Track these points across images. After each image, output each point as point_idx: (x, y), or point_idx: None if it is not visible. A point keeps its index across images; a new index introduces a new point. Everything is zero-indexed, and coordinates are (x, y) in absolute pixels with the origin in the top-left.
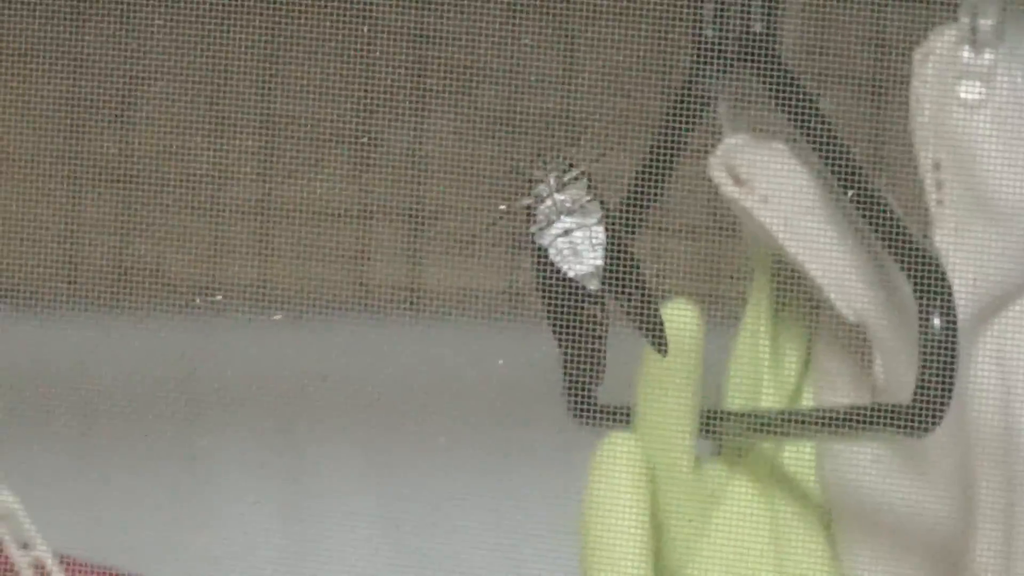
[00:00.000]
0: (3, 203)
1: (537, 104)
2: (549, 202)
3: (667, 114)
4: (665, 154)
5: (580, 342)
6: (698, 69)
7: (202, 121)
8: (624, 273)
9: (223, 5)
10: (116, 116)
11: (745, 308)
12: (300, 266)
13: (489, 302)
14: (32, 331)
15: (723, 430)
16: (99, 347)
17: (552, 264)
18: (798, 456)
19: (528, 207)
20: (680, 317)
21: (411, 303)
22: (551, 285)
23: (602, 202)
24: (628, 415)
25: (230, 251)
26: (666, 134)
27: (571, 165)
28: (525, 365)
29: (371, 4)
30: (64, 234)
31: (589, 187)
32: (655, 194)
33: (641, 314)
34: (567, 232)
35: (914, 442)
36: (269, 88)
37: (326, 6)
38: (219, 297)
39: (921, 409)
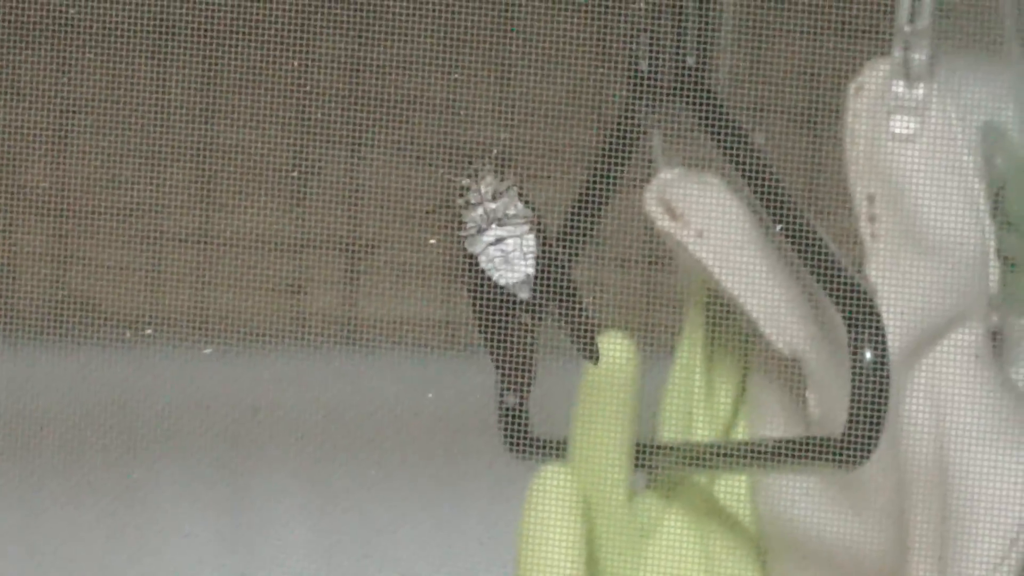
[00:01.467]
0: None
1: (471, 136)
2: (480, 210)
3: (602, 146)
4: (600, 186)
5: (511, 350)
6: (632, 102)
7: (137, 152)
8: (557, 284)
9: (159, 36)
10: (51, 147)
11: (679, 340)
12: (236, 297)
13: (425, 333)
14: None
15: (657, 462)
16: (34, 378)
17: (483, 272)
18: (731, 489)
19: (460, 211)
20: (615, 349)
21: (347, 334)
22: (481, 293)
23: (534, 209)
24: (563, 448)
25: (165, 282)
26: (601, 166)
27: (504, 174)
28: (461, 396)
29: (306, 35)
30: None
31: (521, 196)
32: (590, 226)
33: (573, 323)
34: (498, 240)
35: (847, 474)
36: (205, 119)
37: (261, 37)
38: (149, 331)
39: (852, 442)
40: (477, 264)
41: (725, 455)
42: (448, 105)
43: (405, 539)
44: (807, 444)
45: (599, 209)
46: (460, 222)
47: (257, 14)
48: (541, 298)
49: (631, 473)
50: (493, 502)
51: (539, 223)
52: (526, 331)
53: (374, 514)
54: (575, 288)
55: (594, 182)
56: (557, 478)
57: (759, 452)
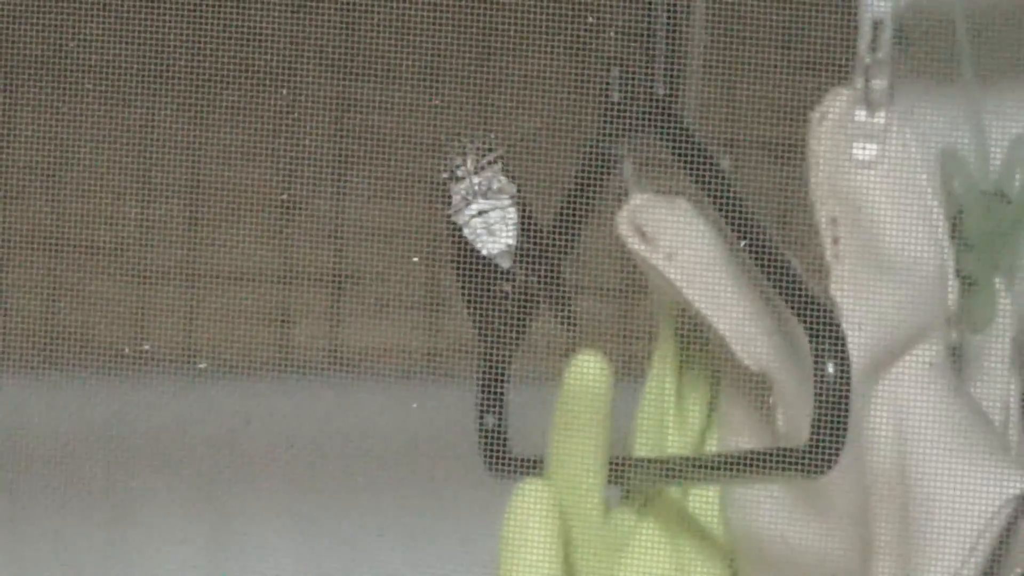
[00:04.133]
0: None
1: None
2: (466, 183)
3: (576, 174)
4: (574, 214)
5: (493, 320)
6: (605, 131)
7: (129, 188)
8: (538, 255)
9: (149, 72)
10: (45, 181)
11: (652, 358)
12: (224, 328)
13: (407, 361)
14: None
15: (631, 476)
16: (27, 405)
17: (467, 243)
18: (703, 500)
19: (446, 184)
20: (589, 367)
21: (331, 362)
22: (466, 264)
23: (516, 183)
24: (541, 466)
25: (156, 314)
26: (575, 194)
27: (489, 148)
28: (443, 422)
29: (292, 69)
30: None
31: (505, 171)
32: (565, 252)
33: (552, 291)
34: (482, 213)
35: (812, 484)
36: (193, 152)
37: (248, 70)
38: (147, 347)
39: (816, 452)
40: (462, 236)
41: (696, 467)
42: (429, 138)
43: (388, 560)
44: (774, 455)
45: (574, 235)
46: (446, 196)
47: (244, 51)
48: (522, 267)
49: (605, 487)
50: (475, 525)
51: (521, 197)
52: (507, 300)
53: (358, 537)
54: (555, 258)
55: (569, 210)
56: (535, 492)
57: (728, 464)
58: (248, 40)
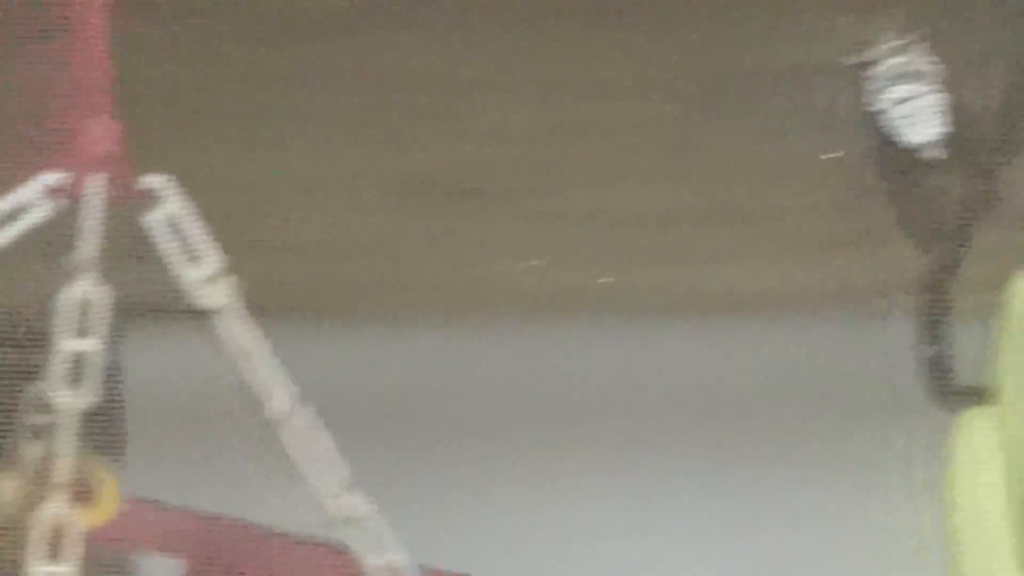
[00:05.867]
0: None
1: None
2: (885, 65)
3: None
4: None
5: (917, 214)
6: None
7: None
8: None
9: None
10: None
11: None
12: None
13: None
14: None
15: None
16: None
17: (887, 133)
18: None
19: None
20: None
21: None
22: (887, 155)
23: (941, 60)
24: (984, 396)
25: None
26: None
27: (913, 25)
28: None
29: None
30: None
31: (928, 50)
32: (1012, 146)
33: (989, 192)
34: (905, 99)
35: None
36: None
37: None
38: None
39: None
40: (882, 124)
41: None
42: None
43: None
44: None
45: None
46: (863, 79)
47: None
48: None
49: None
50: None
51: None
52: (937, 193)
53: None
54: (999, 152)
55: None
56: (982, 421)
57: None
58: None
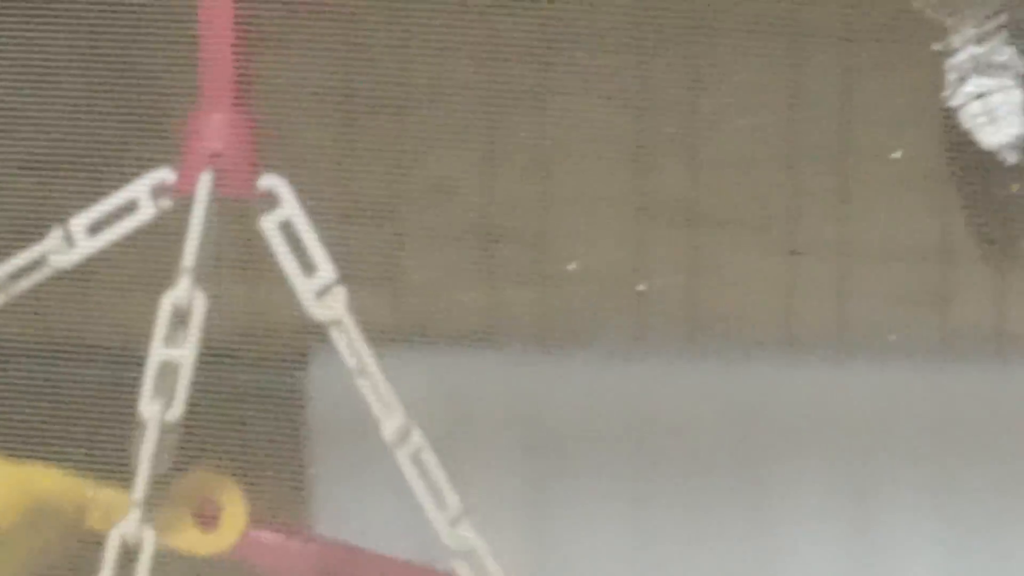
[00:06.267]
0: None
1: None
2: (964, 55)
3: None
4: None
5: (985, 223)
6: None
7: (772, 158)
8: None
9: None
10: (682, 155)
11: None
12: (875, 306)
13: None
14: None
15: None
16: (666, 384)
17: (962, 130)
18: None
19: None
20: None
21: (993, 345)
22: (962, 159)
23: None
24: None
25: (804, 292)
26: None
27: (995, 12)
28: None
29: None
30: None
31: (1014, 40)
32: None
33: None
34: (982, 95)
35: None
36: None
37: None
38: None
39: None
40: (957, 120)
41: None
42: None
43: None
44: None
45: None
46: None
47: None
48: None
49: None
50: None
51: None
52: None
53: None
54: None
55: None
56: None
57: None
58: None
